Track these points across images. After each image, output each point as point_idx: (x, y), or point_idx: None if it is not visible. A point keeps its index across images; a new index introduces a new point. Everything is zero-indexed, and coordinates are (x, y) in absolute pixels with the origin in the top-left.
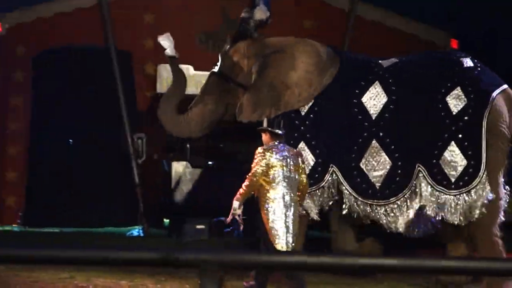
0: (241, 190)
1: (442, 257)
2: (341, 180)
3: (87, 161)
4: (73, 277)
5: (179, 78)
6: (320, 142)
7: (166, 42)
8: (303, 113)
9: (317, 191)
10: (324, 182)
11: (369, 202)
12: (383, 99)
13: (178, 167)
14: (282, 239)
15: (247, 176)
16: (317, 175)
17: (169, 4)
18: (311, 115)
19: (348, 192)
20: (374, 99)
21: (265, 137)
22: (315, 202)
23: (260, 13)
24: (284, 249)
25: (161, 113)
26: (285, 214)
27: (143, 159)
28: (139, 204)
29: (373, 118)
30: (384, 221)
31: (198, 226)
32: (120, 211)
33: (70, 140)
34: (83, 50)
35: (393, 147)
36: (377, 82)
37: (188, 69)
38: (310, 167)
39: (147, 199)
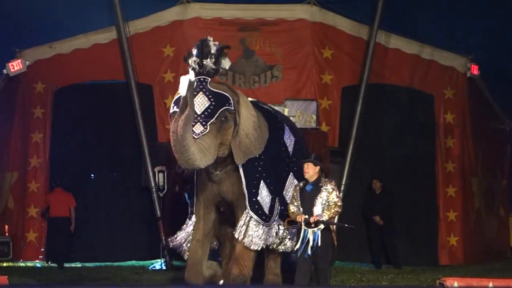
0: (332, 214)
1: None
2: (279, 207)
3: (108, 195)
4: None
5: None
6: (272, 180)
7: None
8: (257, 155)
9: (273, 223)
10: (275, 213)
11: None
12: (293, 138)
13: None
14: None
15: (337, 206)
16: (273, 210)
17: (189, 37)
18: (263, 157)
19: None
20: (289, 139)
21: (316, 169)
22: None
23: (228, 65)
24: None
25: (185, 137)
26: None
27: (164, 192)
28: (161, 237)
29: (290, 154)
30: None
31: None
32: (142, 245)
33: (92, 175)
34: (103, 85)
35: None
36: (284, 124)
37: None
38: (268, 204)
39: (169, 232)
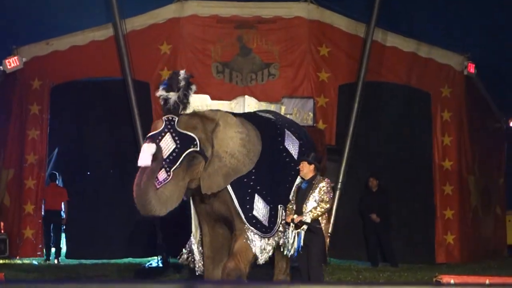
0: (318, 213)
1: None
2: (283, 215)
3: (105, 192)
4: None
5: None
6: (268, 190)
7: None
8: (247, 171)
9: (275, 233)
10: (279, 221)
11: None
12: (298, 142)
13: None
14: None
15: (324, 202)
16: (273, 219)
17: (186, 35)
18: (253, 170)
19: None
20: (292, 143)
21: (310, 167)
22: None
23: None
24: None
25: (147, 192)
26: None
27: None
28: (158, 234)
29: (296, 158)
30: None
31: None
32: (139, 242)
33: (88, 172)
34: (100, 82)
35: None
36: (285, 130)
37: (205, 99)
38: (267, 215)
39: (165, 229)
